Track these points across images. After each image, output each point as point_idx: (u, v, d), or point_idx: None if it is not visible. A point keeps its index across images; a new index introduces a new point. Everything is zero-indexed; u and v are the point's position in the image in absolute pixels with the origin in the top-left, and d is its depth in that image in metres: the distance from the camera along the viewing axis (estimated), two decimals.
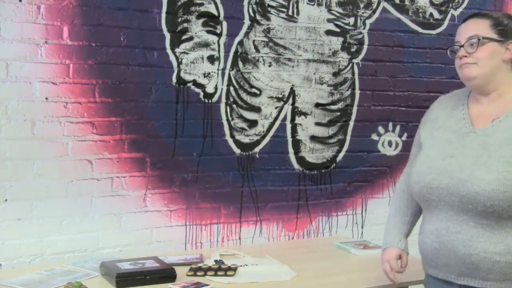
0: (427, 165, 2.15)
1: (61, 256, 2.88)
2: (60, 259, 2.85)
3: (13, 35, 2.77)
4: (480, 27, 2.09)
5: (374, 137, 3.70)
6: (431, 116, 2.28)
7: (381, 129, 3.70)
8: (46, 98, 2.85)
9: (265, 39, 3.35)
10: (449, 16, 3.84)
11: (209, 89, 3.22)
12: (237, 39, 3.28)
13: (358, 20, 3.60)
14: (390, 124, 3.72)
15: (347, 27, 3.57)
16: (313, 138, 3.52)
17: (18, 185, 2.81)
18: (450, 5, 3.85)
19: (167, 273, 2.49)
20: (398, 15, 3.71)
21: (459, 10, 3.87)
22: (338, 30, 3.54)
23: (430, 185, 2.11)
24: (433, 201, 2.12)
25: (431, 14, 3.81)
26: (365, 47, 3.63)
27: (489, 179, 1.99)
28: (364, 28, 3.62)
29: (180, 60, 3.14)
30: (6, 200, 2.79)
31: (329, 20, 3.51)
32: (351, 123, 3.63)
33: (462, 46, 2.10)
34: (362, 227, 3.67)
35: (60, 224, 2.91)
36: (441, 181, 2.09)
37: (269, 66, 3.37)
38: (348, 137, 3.62)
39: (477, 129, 2.11)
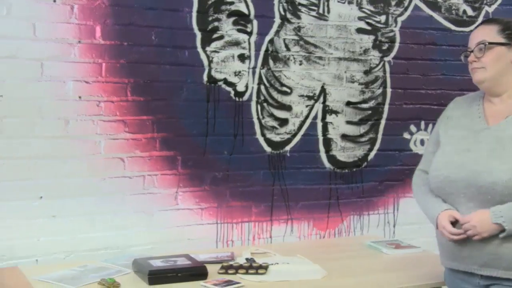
0: (444, 160, 2.23)
1: (94, 253, 2.91)
2: (93, 255, 2.88)
3: (47, 35, 2.81)
4: (488, 32, 2.19)
5: (406, 135, 3.66)
6: (447, 114, 2.37)
7: (413, 128, 3.66)
8: (79, 97, 2.89)
9: (296, 37, 3.34)
10: (483, 13, 3.79)
11: (240, 87, 3.23)
12: (267, 38, 3.28)
13: (390, 18, 3.57)
14: (422, 123, 3.68)
15: (379, 25, 3.54)
16: (344, 136, 3.50)
17: (52, 183, 2.85)
18: (484, 1, 3.79)
19: (199, 271, 2.49)
20: (431, 13, 3.66)
21: (494, 6, 3.81)
22: (369, 28, 3.52)
23: (448, 178, 2.18)
24: (452, 194, 2.19)
25: (464, 11, 3.75)
26: (397, 45, 3.60)
27: (505, 169, 2.07)
28: (395, 26, 3.59)
29: (211, 58, 3.15)
30: (41, 197, 2.83)
31: (360, 18, 3.49)
32: (383, 122, 3.60)
33: (472, 51, 2.20)
34: (394, 226, 3.63)
35: (93, 221, 2.94)
36: (458, 174, 2.16)
37: (300, 64, 3.36)
38: (380, 136, 3.59)
39: (491, 126, 2.20)
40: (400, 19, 3.59)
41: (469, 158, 2.16)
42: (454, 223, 2.17)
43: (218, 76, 3.17)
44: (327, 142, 3.46)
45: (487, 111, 2.25)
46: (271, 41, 3.29)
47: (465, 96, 2.39)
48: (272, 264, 2.68)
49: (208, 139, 3.17)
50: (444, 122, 2.35)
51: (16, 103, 2.77)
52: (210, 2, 3.12)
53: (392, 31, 3.58)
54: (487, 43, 2.16)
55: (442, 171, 2.21)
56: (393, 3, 3.55)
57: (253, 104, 3.26)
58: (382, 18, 3.55)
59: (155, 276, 2.42)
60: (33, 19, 2.78)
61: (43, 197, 2.83)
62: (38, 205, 2.83)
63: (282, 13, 3.30)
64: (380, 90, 3.58)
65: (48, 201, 2.84)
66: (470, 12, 3.77)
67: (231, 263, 2.65)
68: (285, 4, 3.29)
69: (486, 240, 2.11)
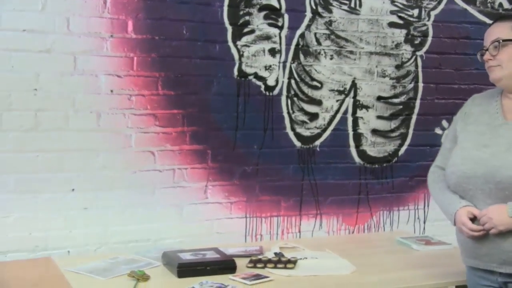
0: (462, 156, 2.21)
1: (124, 245, 2.95)
2: (123, 248, 2.92)
3: (80, 29, 2.84)
4: (502, 30, 2.18)
5: (438, 131, 3.62)
6: (465, 111, 2.35)
7: (445, 123, 3.62)
8: (111, 91, 2.92)
9: (327, 31, 3.32)
10: None
11: (270, 82, 3.23)
12: (298, 32, 3.27)
13: (423, 12, 3.52)
14: None
15: (411, 19, 3.50)
16: (375, 131, 3.47)
17: (84, 176, 2.89)
18: None
19: (228, 265, 2.51)
20: (465, 6, 3.61)
21: None
22: (401, 22, 3.48)
23: (466, 174, 2.17)
24: (470, 190, 2.17)
25: (500, 4, 3.68)
26: (429, 39, 3.55)
27: None
28: (428, 20, 3.54)
29: (241, 53, 3.15)
30: (73, 189, 2.87)
31: (392, 12, 3.45)
32: (414, 117, 3.56)
33: (487, 49, 2.19)
34: (424, 222, 3.60)
35: (124, 214, 2.97)
36: (477, 170, 2.14)
37: (331, 59, 3.34)
38: (411, 131, 3.56)
39: (509, 121, 2.18)
40: (433, 13, 3.55)
41: (487, 153, 2.15)
42: (473, 219, 2.16)
43: (248, 70, 3.18)
44: (357, 137, 3.44)
45: (505, 107, 2.23)
46: (302, 35, 3.28)
47: (483, 93, 2.38)
48: (300, 258, 2.69)
49: (238, 133, 3.17)
50: (461, 119, 2.34)
51: (50, 97, 2.81)
52: None
53: (425, 25, 3.54)
54: (501, 41, 2.14)
55: (459, 167, 2.20)
56: None
57: (283, 98, 3.26)
58: (415, 12, 3.51)
59: (184, 269, 2.44)
60: (67, 14, 2.81)
61: (75, 190, 2.88)
62: (70, 198, 2.88)
63: (314, 7, 3.28)
64: (411, 85, 3.54)
65: (80, 194, 2.88)
66: (506, 5, 3.69)
67: (259, 257, 2.66)
68: None
69: (503, 238, 2.10)
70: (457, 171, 2.20)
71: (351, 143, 3.43)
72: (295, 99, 3.29)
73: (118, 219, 2.95)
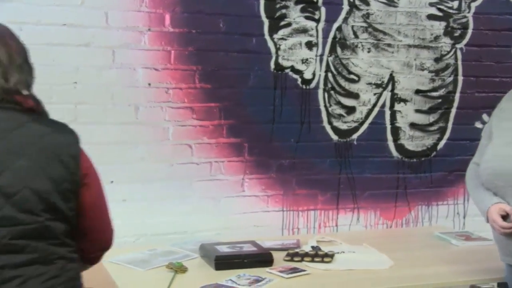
0: (493, 153, 2.19)
1: (162, 237, 2.96)
2: (161, 239, 2.93)
3: (118, 23, 2.87)
4: None
5: (478, 125, 3.55)
6: (501, 106, 2.31)
7: (485, 117, 3.54)
8: (149, 84, 2.94)
9: (364, 24, 3.29)
10: None
11: (307, 75, 3.21)
12: (335, 25, 3.24)
13: (463, 3, 3.46)
14: None
15: (451, 11, 3.44)
16: (413, 125, 3.43)
17: (122, 168, 2.92)
18: None
19: (265, 258, 2.51)
20: None
21: None
22: (440, 14, 3.42)
23: (496, 171, 2.15)
24: (502, 187, 2.15)
25: None
26: (470, 31, 3.49)
27: None
28: (468, 12, 3.48)
29: (278, 46, 3.14)
30: (112, 181, 2.90)
31: (431, 4, 3.40)
32: (453, 110, 3.50)
33: None
34: (464, 217, 3.54)
35: (161, 206, 2.99)
36: (506, 166, 2.12)
37: (368, 52, 3.31)
38: (450, 125, 3.50)
39: None
40: (473, 4, 3.48)
41: None
42: (506, 216, 2.12)
43: (285, 63, 3.16)
44: (395, 131, 3.40)
45: None
46: (339, 28, 3.25)
47: None
48: (338, 252, 2.67)
49: (275, 127, 3.17)
50: (497, 114, 2.30)
51: (89, 90, 2.85)
52: None
53: (465, 17, 3.47)
54: None
55: (490, 164, 2.18)
56: None
57: (320, 91, 3.24)
58: (455, 3, 3.45)
59: (221, 261, 2.45)
60: (105, 8, 2.84)
61: (114, 182, 2.90)
62: (109, 189, 2.86)
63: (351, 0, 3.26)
64: (451, 78, 3.48)
65: (118, 186, 2.91)
66: None
67: (296, 250, 2.65)
68: None
69: None
70: (488, 168, 2.18)
71: (389, 137, 3.39)
72: (332, 92, 3.26)
73: (155, 211, 2.98)
